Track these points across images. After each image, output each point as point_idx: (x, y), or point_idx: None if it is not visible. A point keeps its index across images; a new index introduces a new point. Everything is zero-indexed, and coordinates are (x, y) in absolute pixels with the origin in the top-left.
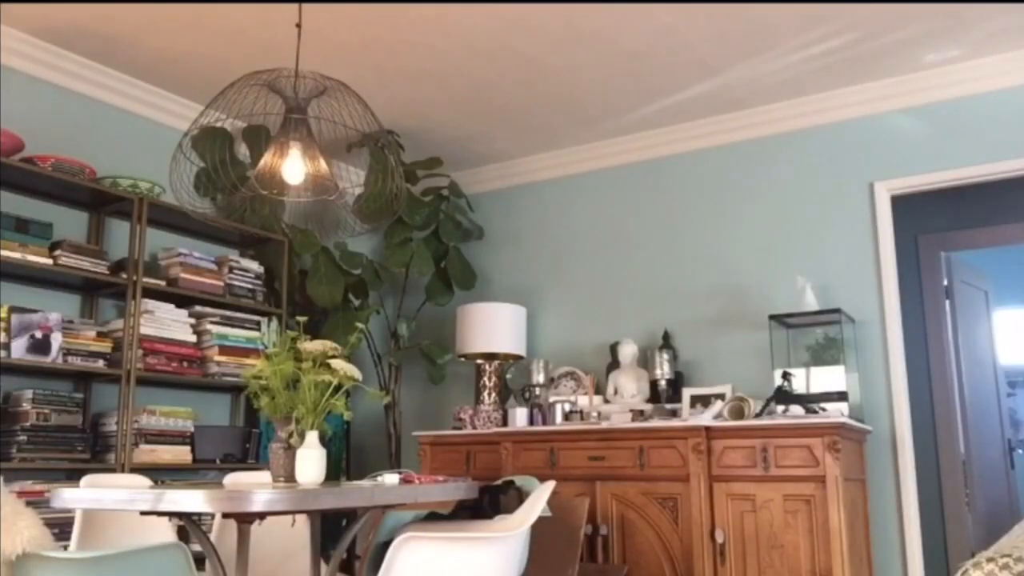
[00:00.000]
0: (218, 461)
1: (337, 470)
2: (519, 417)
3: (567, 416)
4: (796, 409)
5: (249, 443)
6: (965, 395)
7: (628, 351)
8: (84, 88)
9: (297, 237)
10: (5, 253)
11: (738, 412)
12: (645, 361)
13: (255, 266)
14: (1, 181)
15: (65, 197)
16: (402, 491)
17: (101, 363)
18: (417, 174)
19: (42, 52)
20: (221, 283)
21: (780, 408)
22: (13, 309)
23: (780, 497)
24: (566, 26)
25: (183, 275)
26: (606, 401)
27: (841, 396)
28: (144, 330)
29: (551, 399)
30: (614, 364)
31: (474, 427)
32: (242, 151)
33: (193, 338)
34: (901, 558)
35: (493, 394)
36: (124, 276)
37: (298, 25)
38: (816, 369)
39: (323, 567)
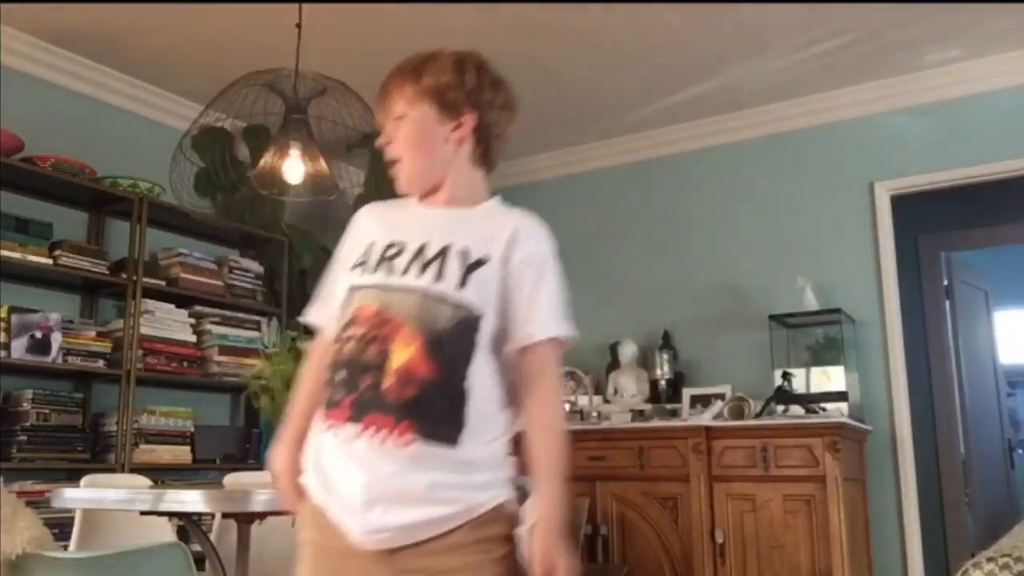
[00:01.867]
0: (218, 461)
1: None
2: None
3: (567, 416)
4: (796, 409)
5: (249, 443)
6: (965, 395)
7: (628, 351)
8: (84, 88)
9: (297, 237)
10: (5, 253)
11: (738, 412)
12: (645, 361)
13: (255, 266)
14: (1, 181)
15: (65, 197)
16: None
17: (101, 363)
18: None
19: (42, 52)
20: (221, 283)
21: (780, 408)
22: (13, 309)
23: (780, 497)
24: (566, 26)
25: (183, 275)
26: (606, 401)
27: (841, 396)
28: (144, 330)
29: None
30: (614, 364)
31: None
32: (242, 151)
33: (193, 338)
34: (901, 558)
35: None
36: (124, 276)
37: (298, 25)
38: (816, 369)
39: None
